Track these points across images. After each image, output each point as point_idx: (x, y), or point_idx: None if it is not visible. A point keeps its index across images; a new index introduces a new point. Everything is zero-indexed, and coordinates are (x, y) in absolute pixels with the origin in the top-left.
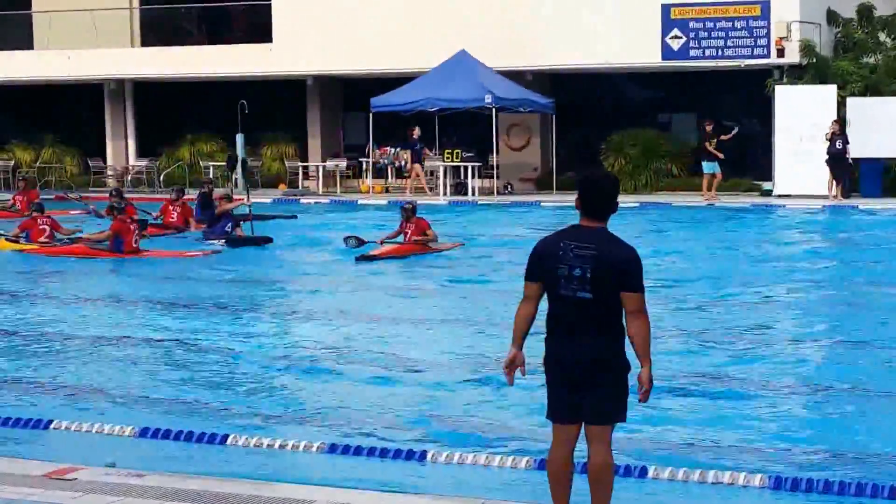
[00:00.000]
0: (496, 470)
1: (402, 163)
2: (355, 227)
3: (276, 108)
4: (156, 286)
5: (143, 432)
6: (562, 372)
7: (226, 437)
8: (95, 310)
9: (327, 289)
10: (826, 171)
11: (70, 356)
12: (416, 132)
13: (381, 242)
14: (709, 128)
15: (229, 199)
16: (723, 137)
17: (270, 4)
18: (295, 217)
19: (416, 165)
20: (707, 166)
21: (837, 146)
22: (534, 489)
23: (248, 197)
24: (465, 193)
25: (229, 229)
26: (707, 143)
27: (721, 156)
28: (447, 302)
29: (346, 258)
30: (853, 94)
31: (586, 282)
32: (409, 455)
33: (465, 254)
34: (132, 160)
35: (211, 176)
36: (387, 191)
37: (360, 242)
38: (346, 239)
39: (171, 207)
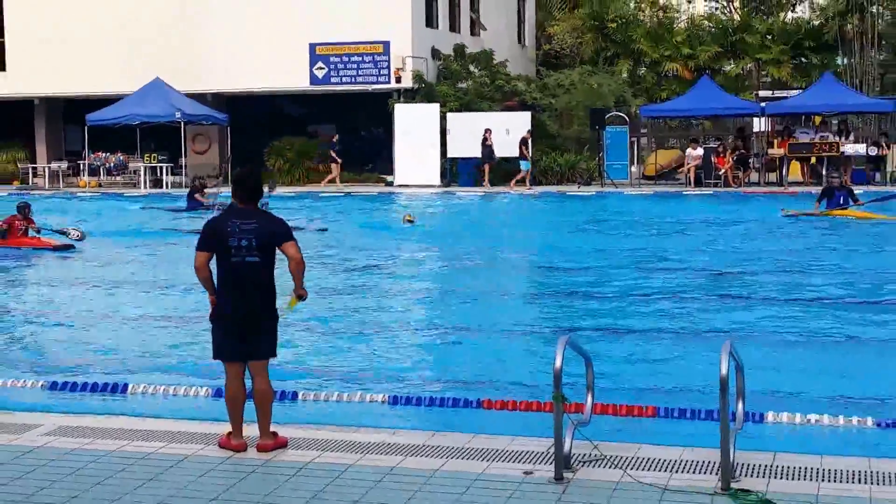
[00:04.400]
0: None
1: (111, 165)
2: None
3: (9, 121)
4: None
5: None
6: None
7: None
8: None
9: None
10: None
11: None
12: (335, 137)
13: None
14: (527, 135)
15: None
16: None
17: (3, 41)
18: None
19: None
20: (523, 164)
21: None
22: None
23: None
24: (161, 187)
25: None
26: (523, 147)
27: (529, 156)
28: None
29: None
30: (451, 110)
31: (253, 248)
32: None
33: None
34: None
35: None
36: (100, 185)
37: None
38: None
39: None
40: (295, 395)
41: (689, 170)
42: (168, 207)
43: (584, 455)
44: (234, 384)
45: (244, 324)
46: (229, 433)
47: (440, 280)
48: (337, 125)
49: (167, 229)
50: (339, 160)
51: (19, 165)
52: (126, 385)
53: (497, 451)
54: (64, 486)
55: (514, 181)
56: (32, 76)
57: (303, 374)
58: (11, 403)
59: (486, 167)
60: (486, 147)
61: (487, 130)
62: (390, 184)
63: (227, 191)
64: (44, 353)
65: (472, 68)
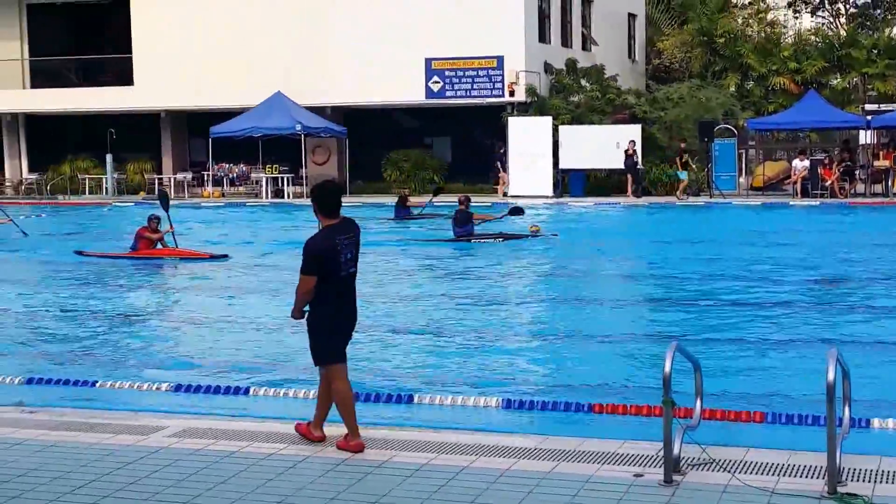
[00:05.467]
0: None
1: (234, 175)
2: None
3: (137, 134)
4: None
5: (28, 381)
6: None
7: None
8: None
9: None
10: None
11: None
12: (502, 149)
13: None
14: (682, 146)
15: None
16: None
17: (132, 57)
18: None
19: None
20: (681, 174)
21: (634, 159)
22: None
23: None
24: (282, 197)
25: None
26: (680, 157)
27: (693, 167)
28: None
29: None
30: (563, 123)
31: (353, 260)
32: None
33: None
34: (25, 174)
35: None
36: (223, 195)
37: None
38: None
39: None
40: (411, 398)
41: (795, 181)
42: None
43: (693, 458)
44: (347, 383)
45: (350, 328)
46: (346, 435)
47: (553, 286)
48: (451, 137)
49: (378, 241)
50: (505, 171)
51: (146, 176)
52: (248, 388)
53: (607, 453)
54: (188, 485)
55: (680, 191)
56: (159, 90)
57: (419, 378)
58: (139, 405)
59: (630, 178)
60: (629, 158)
61: (631, 142)
62: (504, 194)
63: (431, 199)
64: (186, 357)
65: (583, 82)
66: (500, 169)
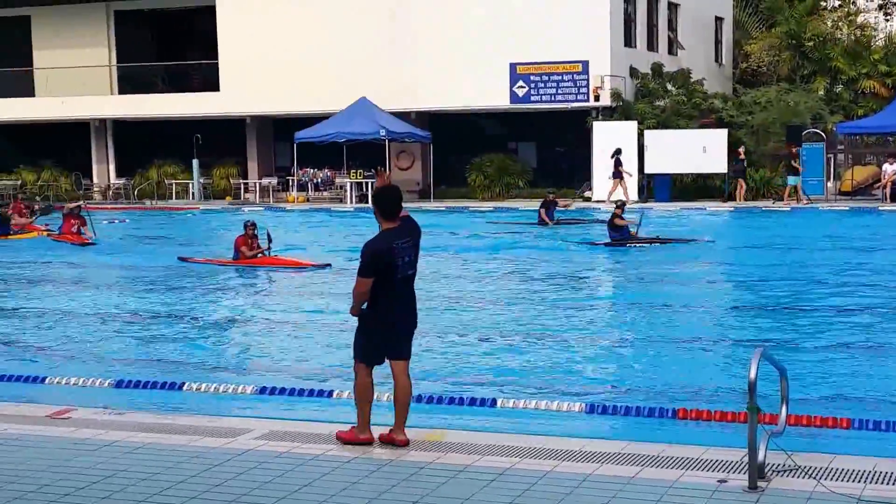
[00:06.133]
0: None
1: (318, 180)
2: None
3: (222, 139)
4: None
5: (117, 384)
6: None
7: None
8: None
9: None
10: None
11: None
12: (620, 154)
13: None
14: (794, 150)
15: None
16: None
17: (218, 63)
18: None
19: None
20: (791, 179)
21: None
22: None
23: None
24: (366, 202)
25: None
26: (793, 161)
27: (801, 170)
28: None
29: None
30: (649, 128)
31: (410, 263)
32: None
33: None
34: (112, 179)
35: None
36: (307, 200)
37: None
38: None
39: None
40: (494, 401)
41: (885, 185)
42: (515, 222)
43: (778, 465)
44: (369, 381)
45: (408, 328)
46: (353, 427)
47: (637, 291)
48: (536, 142)
49: (519, 245)
50: (624, 174)
51: (232, 181)
52: (331, 392)
53: (691, 459)
54: (273, 487)
55: (798, 198)
56: (244, 96)
57: (502, 381)
58: (225, 408)
59: (739, 182)
60: (739, 162)
61: (741, 145)
62: (588, 199)
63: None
64: (283, 360)
65: (669, 87)
66: (618, 174)
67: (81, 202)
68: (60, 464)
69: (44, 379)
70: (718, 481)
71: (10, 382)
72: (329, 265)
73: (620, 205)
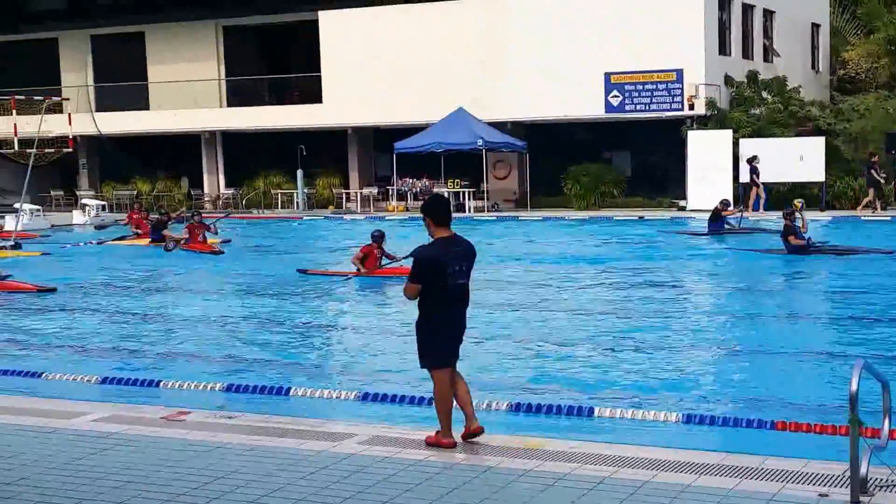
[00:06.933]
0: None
1: (417, 190)
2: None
3: (325, 150)
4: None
5: (227, 388)
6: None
7: (289, 388)
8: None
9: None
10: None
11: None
12: (756, 160)
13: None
14: (874, 160)
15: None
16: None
17: (321, 76)
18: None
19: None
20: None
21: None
22: None
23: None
24: (464, 211)
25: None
26: (873, 171)
27: (882, 180)
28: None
29: None
30: (744, 136)
31: (463, 272)
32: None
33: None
34: (222, 189)
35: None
36: (407, 210)
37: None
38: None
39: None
40: (591, 410)
41: None
42: (684, 231)
43: (881, 479)
44: (448, 386)
45: (457, 337)
46: (438, 431)
47: (738, 300)
48: (630, 151)
49: (692, 254)
50: (757, 184)
51: (334, 191)
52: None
53: (791, 472)
54: (375, 491)
55: (874, 206)
56: (345, 108)
57: (599, 389)
58: (330, 413)
59: (871, 191)
60: (874, 170)
61: (873, 155)
62: (683, 208)
63: (742, 212)
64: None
65: (764, 94)
66: (753, 182)
67: (200, 211)
68: (175, 464)
69: (158, 383)
70: (819, 495)
71: (127, 386)
72: None
73: (790, 213)
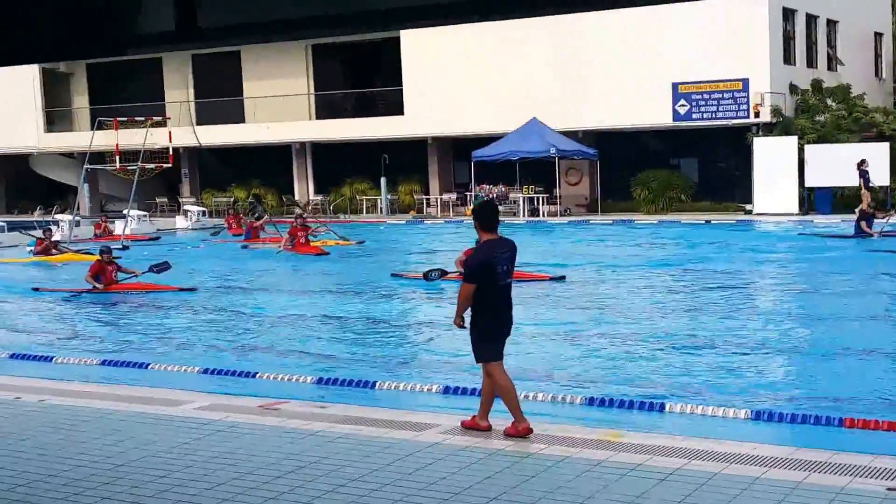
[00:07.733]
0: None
1: (494, 195)
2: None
3: (407, 158)
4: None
5: (319, 381)
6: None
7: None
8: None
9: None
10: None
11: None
12: (866, 164)
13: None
14: None
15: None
16: None
17: (402, 90)
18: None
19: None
20: None
21: None
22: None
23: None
24: (538, 216)
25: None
26: None
27: None
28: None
29: None
30: (809, 143)
31: (508, 273)
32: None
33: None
34: (311, 195)
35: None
36: None
37: (443, 273)
38: (427, 274)
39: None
40: (662, 406)
41: None
42: (826, 234)
43: None
44: (505, 377)
45: (505, 332)
46: (514, 421)
47: (809, 301)
48: (697, 158)
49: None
50: (868, 189)
51: (415, 197)
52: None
53: (859, 466)
54: (456, 479)
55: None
56: (426, 119)
57: (671, 386)
58: (414, 404)
59: None
60: None
61: None
62: (749, 212)
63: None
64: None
65: (829, 102)
66: (864, 186)
67: (303, 213)
68: (272, 450)
69: (255, 374)
70: (888, 489)
71: (226, 376)
72: (563, 277)
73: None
